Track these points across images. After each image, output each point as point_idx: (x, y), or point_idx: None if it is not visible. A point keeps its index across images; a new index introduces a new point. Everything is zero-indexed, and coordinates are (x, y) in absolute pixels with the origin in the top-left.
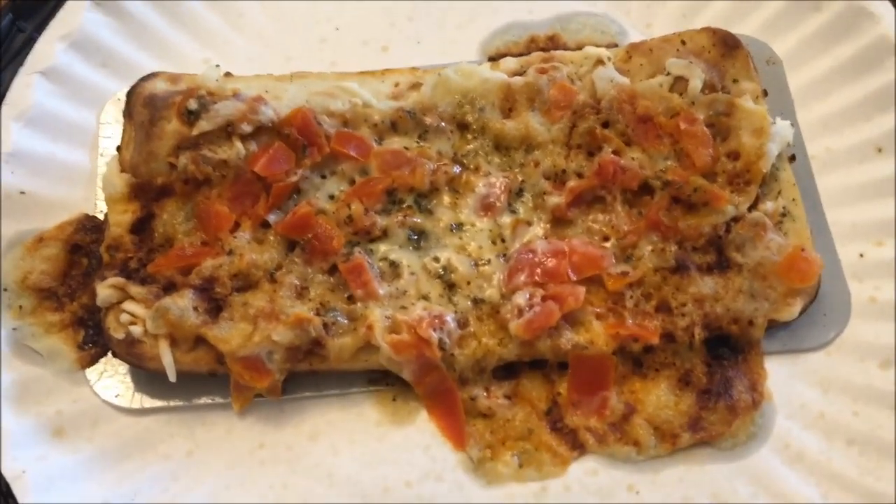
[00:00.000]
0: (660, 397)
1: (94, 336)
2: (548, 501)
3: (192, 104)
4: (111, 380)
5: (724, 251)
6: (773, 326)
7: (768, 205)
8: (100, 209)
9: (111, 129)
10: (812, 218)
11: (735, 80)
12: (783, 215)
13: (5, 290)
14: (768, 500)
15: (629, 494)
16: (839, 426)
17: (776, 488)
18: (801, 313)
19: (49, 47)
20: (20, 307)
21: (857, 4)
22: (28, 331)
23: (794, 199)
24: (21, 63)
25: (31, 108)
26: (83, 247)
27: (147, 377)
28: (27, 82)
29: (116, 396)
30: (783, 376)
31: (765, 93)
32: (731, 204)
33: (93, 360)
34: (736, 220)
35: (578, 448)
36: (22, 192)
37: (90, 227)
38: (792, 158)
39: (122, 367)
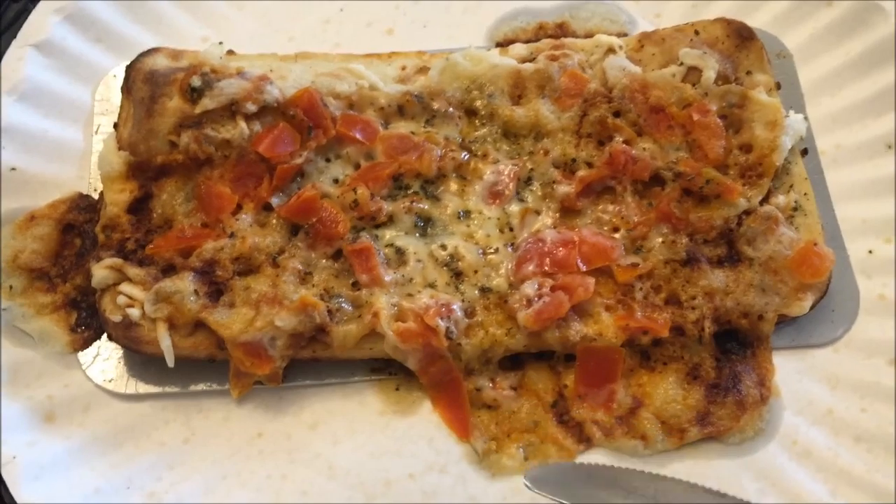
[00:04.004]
0: (668, 391)
1: (86, 318)
2: None
3: (196, 81)
4: (105, 364)
5: (735, 244)
6: (782, 322)
7: (780, 198)
8: (94, 188)
9: (106, 107)
10: (821, 213)
11: (748, 72)
12: (795, 209)
13: None
14: (776, 496)
15: None
16: (847, 423)
17: (784, 485)
18: (811, 308)
19: (43, 20)
20: (10, 287)
21: (869, 1)
22: (18, 311)
23: (805, 194)
24: (14, 35)
25: (24, 82)
26: (76, 226)
27: (141, 362)
28: (19, 55)
29: (110, 381)
30: (791, 372)
31: (778, 86)
32: (743, 197)
33: (86, 344)
34: (747, 213)
35: (585, 441)
36: (13, 169)
37: (84, 206)
38: (804, 153)
39: (116, 351)
